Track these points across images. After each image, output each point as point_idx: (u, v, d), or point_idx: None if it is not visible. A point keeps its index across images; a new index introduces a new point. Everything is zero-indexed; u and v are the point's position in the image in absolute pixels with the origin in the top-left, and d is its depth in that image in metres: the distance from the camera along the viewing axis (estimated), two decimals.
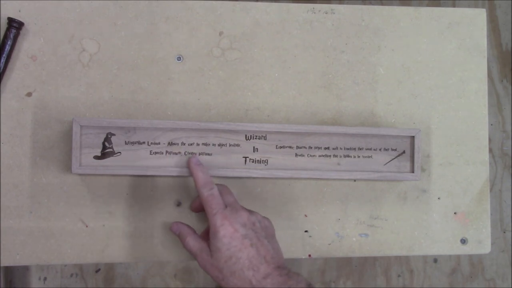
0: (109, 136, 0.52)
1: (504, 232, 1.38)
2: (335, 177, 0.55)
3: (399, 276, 1.35)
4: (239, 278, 0.45)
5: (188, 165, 0.51)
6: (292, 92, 0.57)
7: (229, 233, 0.46)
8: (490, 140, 1.38)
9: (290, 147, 0.54)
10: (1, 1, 0.54)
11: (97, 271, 1.24)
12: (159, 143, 0.52)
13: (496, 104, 1.39)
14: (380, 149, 0.55)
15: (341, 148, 0.55)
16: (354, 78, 0.58)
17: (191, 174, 0.50)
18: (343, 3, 1.20)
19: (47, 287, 1.22)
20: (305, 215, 0.57)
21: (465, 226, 0.59)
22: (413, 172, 0.55)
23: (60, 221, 0.54)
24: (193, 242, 0.49)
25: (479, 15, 0.61)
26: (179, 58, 0.56)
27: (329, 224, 0.57)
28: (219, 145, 0.53)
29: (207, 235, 0.49)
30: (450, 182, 0.59)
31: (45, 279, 1.22)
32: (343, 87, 0.58)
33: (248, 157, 0.54)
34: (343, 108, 0.58)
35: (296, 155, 0.55)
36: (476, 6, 1.40)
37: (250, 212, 0.49)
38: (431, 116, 0.59)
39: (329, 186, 0.57)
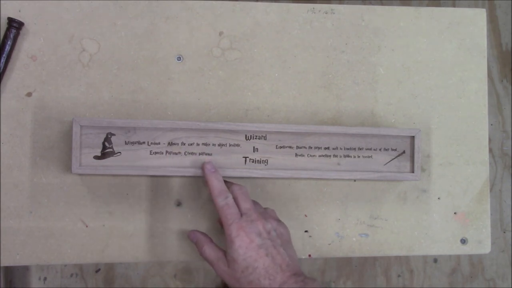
0: (109, 136, 0.52)
1: (504, 232, 1.38)
2: (335, 177, 0.55)
3: (399, 276, 1.35)
4: None
5: (202, 171, 0.51)
6: (292, 92, 0.57)
7: (245, 243, 0.46)
8: (490, 140, 1.38)
9: (290, 147, 0.54)
10: (1, 1, 0.54)
11: (97, 271, 1.24)
12: (159, 143, 0.52)
13: (496, 104, 1.39)
14: (380, 149, 0.55)
15: (341, 148, 0.55)
16: (354, 78, 0.58)
17: (205, 180, 0.51)
18: (343, 3, 1.20)
19: (47, 287, 1.22)
20: (305, 215, 0.57)
21: (465, 226, 0.59)
22: (413, 172, 0.55)
23: (60, 221, 0.54)
24: (210, 251, 0.50)
25: (479, 15, 0.61)
26: (179, 58, 0.56)
27: (329, 224, 0.57)
28: (219, 145, 0.53)
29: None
30: (450, 182, 0.59)
31: (45, 279, 1.22)
32: (343, 87, 0.58)
33: (248, 157, 0.54)
34: (343, 108, 0.58)
35: (296, 155, 0.55)
36: (476, 6, 1.40)
37: (265, 218, 0.49)
38: (431, 116, 0.59)
39: (329, 186, 0.57)
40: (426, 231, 0.59)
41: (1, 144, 0.53)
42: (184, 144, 0.53)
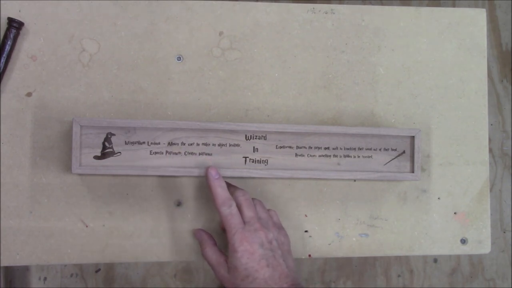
0: (109, 136, 0.52)
1: (504, 232, 1.38)
2: (335, 177, 0.55)
3: (399, 276, 1.35)
4: None
5: (206, 176, 0.51)
6: (292, 92, 0.57)
7: (247, 253, 0.47)
8: (490, 140, 1.38)
9: (290, 147, 0.54)
10: (1, 1, 0.54)
11: (97, 271, 1.24)
12: (159, 143, 0.52)
13: (496, 104, 1.39)
14: (380, 149, 0.55)
15: (341, 148, 0.55)
16: (354, 78, 0.58)
17: (208, 187, 0.51)
18: (343, 3, 1.20)
19: (47, 287, 1.22)
20: (305, 215, 0.57)
21: (465, 226, 0.59)
22: (413, 172, 0.55)
23: (60, 221, 0.54)
24: (211, 254, 0.51)
25: (479, 15, 0.61)
26: (179, 58, 0.56)
27: (329, 224, 0.57)
28: (219, 145, 0.53)
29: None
30: (450, 182, 0.59)
31: (45, 279, 1.22)
32: (343, 87, 0.58)
33: (248, 157, 0.54)
34: (343, 108, 0.58)
35: (296, 155, 0.55)
36: (476, 6, 1.40)
37: (268, 227, 0.50)
38: (431, 116, 0.59)
39: (329, 186, 0.57)
40: (426, 231, 0.59)
41: (1, 144, 0.53)
42: (184, 144, 0.53)
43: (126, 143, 0.52)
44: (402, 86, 0.59)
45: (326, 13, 0.58)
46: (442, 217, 0.59)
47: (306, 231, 0.57)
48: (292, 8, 0.58)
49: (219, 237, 0.55)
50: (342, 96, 0.58)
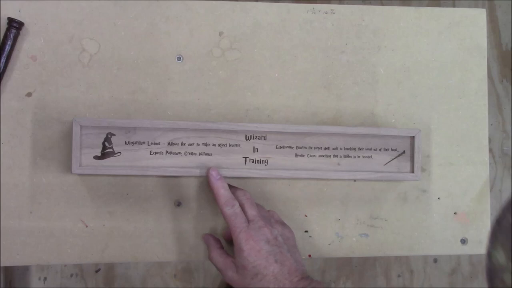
0: (109, 136, 0.52)
1: None
2: (335, 177, 0.55)
3: (399, 276, 1.35)
4: None
5: (208, 177, 0.52)
6: (292, 92, 0.57)
7: (254, 251, 0.47)
8: (490, 140, 1.38)
9: (290, 147, 0.54)
10: (1, 1, 0.54)
11: (97, 271, 1.24)
12: (159, 143, 0.52)
13: (496, 104, 1.39)
14: (380, 149, 0.55)
15: (341, 148, 0.55)
16: (354, 78, 0.58)
17: (210, 187, 0.51)
18: (343, 3, 1.20)
19: (47, 287, 1.22)
20: (305, 215, 0.57)
21: (465, 226, 0.59)
22: (413, 172, 0.55)
23: (60, 221, 0.54)
24: (218, 258, 0.51)
25: (479, 15, 0.61)
26: (179, 58, 0.56)
27: (329, 224, 0.57)
28: (219, 145, 0.53)
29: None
30: (450, 182, 0.59)
31: (45, 279, 1.22)
32: (343, 87, 0.58)
33: (248, 157, 0.54)
34: (343, 108, 0.58)
35: (296, 155, 0.54)
36: (476, 6, 1.40)
37: (271, 224, 0.50)
38: (431, 116, 0.59)
39: (329, 186, 0.57)
40: (426, 231, 0.59)
41: (1, 144, 0.53)
42: (184, 144, 0.53)
43: (126, 143, 0.52)
44: (402, 86, 0.59)
45: (326, 13, 0.58)
46: (442, 217, 0.59)
47: (306, 231, 0.57)
48: (292, 8, 0.58)
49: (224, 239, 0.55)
50: (342, 96, 0.58)
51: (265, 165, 0.54)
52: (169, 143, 0.53)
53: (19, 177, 0.53)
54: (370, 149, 0.55)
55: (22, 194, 0.53)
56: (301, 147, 0.55)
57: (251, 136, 0.54)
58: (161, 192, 0.55)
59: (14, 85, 0.54)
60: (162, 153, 0.53)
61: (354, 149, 0.55)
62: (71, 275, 1.23)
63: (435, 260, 1.36)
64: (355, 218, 0.58)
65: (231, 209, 0.49)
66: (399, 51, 0.59)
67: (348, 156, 0.55)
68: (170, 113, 0.55)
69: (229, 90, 0.57)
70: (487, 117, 0.60)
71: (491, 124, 1.38)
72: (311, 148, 0.55)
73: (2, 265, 0.53)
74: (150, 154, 0.52)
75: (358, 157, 0.55)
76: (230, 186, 0.52)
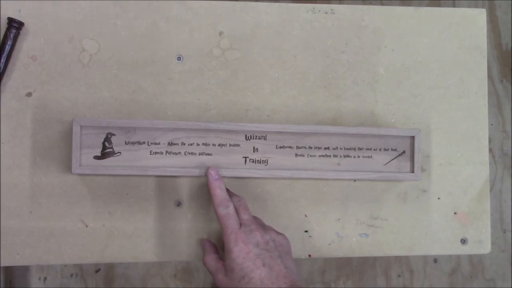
0: (109, 136, 0.52)
1: (504, 232, 1.38)
2: (335, 177, 0.55)
3: (399, 276, 1.35)
4: None
5: (206, 176, 0.51)
6: (292, 92, 0.57)
7: (243, 253, 0.46)
8: (490, 140, 1.38)
9: (290, 147, 0.54)
10: (1, 1, 0.54)
11: (97, 271, 1.24)
12: (159, 143, 0.52)
13: (496, 104, 1.39)
14: (380, 149, 0.55)
15: (341, 148, 0.55)
16: (354, 78, 0.58)
17: (208, 187, 0.51)
18: (343, 3, 1.20)
19: (47, 287, 1.22)
20: (305, 215, 0.57)
21: (465, 226, 0.59)
22: (413, 172, 0.55)
23: (60, 221, 0.54)
24: (210, 261, 0.50)
25: (479, 15, 0.61)
26: (179, 58, 0.56)
27: (329, 224, 0.57)
28: (219, 145, 0.53)
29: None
30: (450, 182, 0.59)
31: (45, 279, 1.22)
32: (343, 87, 0.58)
33: (248, 157, 0.54)
34: (343, 108, 0.58)
35: (296, 155, 0.55)
36: (476, 6, 1.40)
37: (264, 230, 0.49)
38: (431, 116, 0.59)
39: (329, 186, 0.57)
40: (426, 231, 0.59)
41: (1, 144, 0.53)
42: (184, 144, 0.53)
43: (126, 143, 0.52)
44: (402, 86, 0.59)
45: (326, 13, 0.58)
46: (442, 217, 0.59)
47: (306, 231, 0.57)
48: (292, 8, 0.58)
49: (218, 237, 0.55)
50: (342, 96, 0.58)
51: (265, 165, 0.54)
52: (169, 143, 0.53)
53: (19, 177, 0.53)
54: (370, 149, 0.55)
55: (22, 194, 0.53)
56: (301, 147, 0.55)
57: (251, 136, 0.54)
58: (161, 192, 0.55)
59: (14, 85, 0.54)
60: (162, 153, 0.53)
61: (354, 149, 0.55)
62: (71, 275, 1.23)
63: (435, 260, 1.36)
64: (355, 218, 0.58)
65: (225, 209, 0.49)
66: (399, 51, 0.59)
67: (348, 156, 0.55)
68: (170, 113, 0.56)
69: (229, 90, 0.57)
70: (487, 117, 0.60)
71: (491, 124, 1.38)
72: (311, 148, 0.55)
73: (2, 265, 0.53)
74: (150, 154, 0.52)
75: (358, 157, 0.55)
76: (227, 191, 0.52)
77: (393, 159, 0.56)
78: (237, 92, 0.57)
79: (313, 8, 0.58)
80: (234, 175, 0.53)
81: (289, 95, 0.57)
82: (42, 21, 0.54)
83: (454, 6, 1.42)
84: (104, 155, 0.52)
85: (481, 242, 0.59)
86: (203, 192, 0.56)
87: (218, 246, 0.54)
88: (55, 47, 0.54)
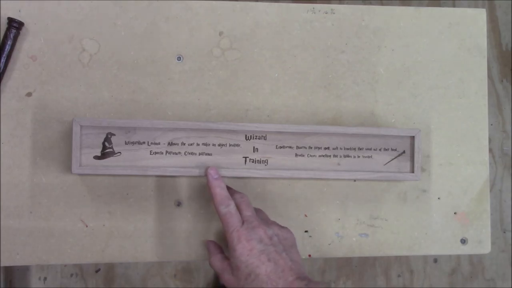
0: (109, 136, 0.52)
1: (504, 232, 1.38)
2: (335, 177, 0.55)
3: (399, 276, 1.35)
4: None
5: (206, 177, 0.51)
6: (292, 92, 0.57)
7: (246, 250, 0.46)
8: (490, 140, 1.38)
9: (290, 147, 0.54)
10: (1, 1, 0.54)
11: (97, 271, 1.24)
12: (159, 143, 0.52)
13: (496, 104, 1.39)
14: (380, 149, 0.55)
15: (341, 148, 0.55)
16: (354, 78, 0.58)
17: (208, 186, 0.51)
18: (343, 3, 1.20)
19: (47, 287, 1.22)
20: (305, 215, 0.57)
21: (465, 226, 0.59)
22: (413, 172, 0.55)
23: (60, 221, 0.54)
24: (216, 262, 0.50)
25: (479, 15, 0.61)
26: (179, 58, 0.56)
27: (329, 224, 0.57)
28: (219, 145, 0.53)
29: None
30: (450, 182, 0.59)
31: (45, 279, 1.22)
32: (343, 87, 0.58)
33: (248, 157, 0.54)
34: (343, 108, 0.58)
35: (296, 155, 0.55)
36: (476, 6, 1.40)
37: (268, 225, 0.49)
38: (431, 116, 0.59)
39: (329, 186, 0.57)
40: (426, 231, 0.59)
41: (1, 144, 0.53)
42: (184, 144, 0.53)
43: (126, 143, 0.52)
44: (402, 86, 0.59)
45: (326, 13, 0.58)
46: (442, 217, 0.59)
47: (306, 231, 0.57)
48: (292, 8, 0.58)
49: (219, 237, 0.55)
50: (342, 96, 0.58)
51: (265, 165, 0.54)
52: (169, 143, 0.53)
53: (19, 177, 0.53)
54: (370, 149, 0.55)
55: (22, 194, 0.53)
56: (301, 147, 0.55)
57: (251, 136, 0.54)
58: (161, 192, 0.55)
59: (14, 85, 0.54)
60: (162, 153, 0.53)
61: (354, 149, 0.55)
62: (71, 275, 1.23)
63: (435, 260, 1.36)
64: (355, 218, 0.58)
65: (226, 208, 0.49)
66: (399, 51, 0.59)
67: (348, 156, 0.55)
68: (170, 113, 0.56)
69: (229, 90, 0.57)
70: (487, 117, 0.60)
71: (491, 124, 1.38)
72: (311, 148, 0.55)
73: (2, 265, 0.53)
74: (150, 154, 0.52)
75: (358, 157, 0.55)
76: (229, 189, 0.52)
77: (393, 159, 0.56)
78: (237, 92, 0.57)
79: (313, 8, 0.58)
80: (234, 175, 0.53)
81: (289, 95, 0.57)
82: (42, 21, 0.54)
83: (454, 6, 1.42)
84: (104, 155, 0.52)
85: (481, 242, 0.59)
86: (203, 192, 0.56)
87: (223, 246, 0.54)
88: (55, 47, 0.54)
